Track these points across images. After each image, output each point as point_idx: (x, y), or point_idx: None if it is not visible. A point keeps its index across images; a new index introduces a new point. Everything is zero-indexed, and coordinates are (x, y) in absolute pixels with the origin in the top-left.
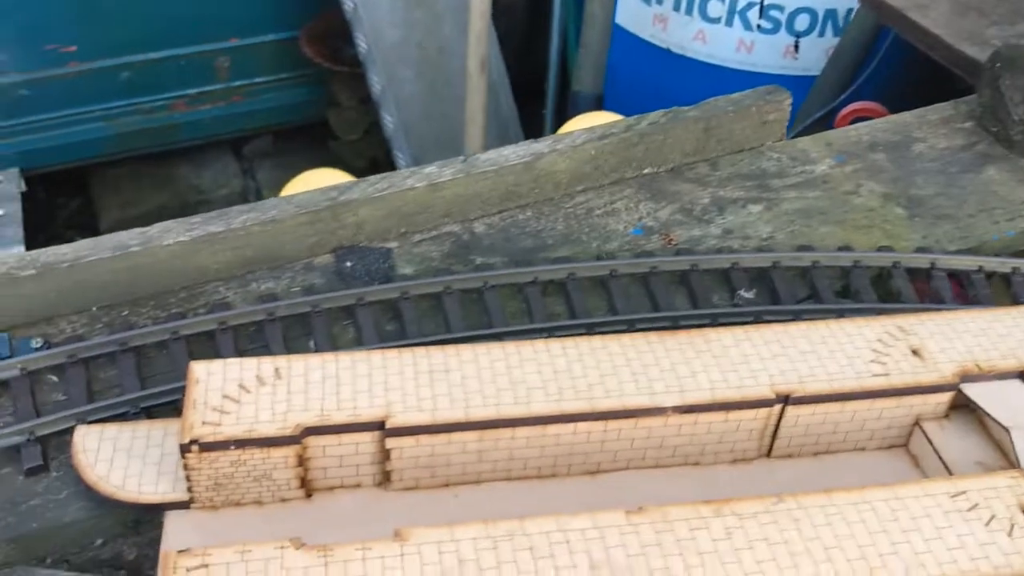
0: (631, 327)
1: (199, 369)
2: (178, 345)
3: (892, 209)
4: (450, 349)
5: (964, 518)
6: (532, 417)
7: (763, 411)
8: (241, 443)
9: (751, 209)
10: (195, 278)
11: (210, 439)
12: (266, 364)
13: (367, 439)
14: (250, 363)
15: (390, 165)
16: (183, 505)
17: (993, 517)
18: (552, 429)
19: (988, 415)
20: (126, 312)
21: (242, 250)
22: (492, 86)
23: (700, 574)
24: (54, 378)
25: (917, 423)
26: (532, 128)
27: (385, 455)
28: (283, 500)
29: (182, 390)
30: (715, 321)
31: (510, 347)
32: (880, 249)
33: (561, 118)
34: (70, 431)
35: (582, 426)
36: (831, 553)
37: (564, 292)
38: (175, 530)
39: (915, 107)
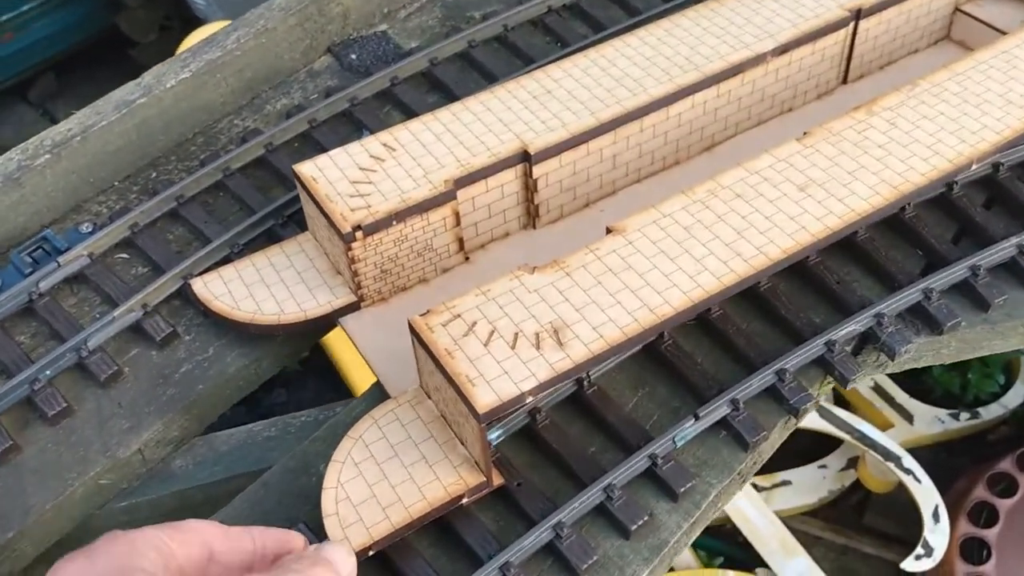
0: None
1: (308, 168)
2: (235, 180)
3: None
4: (537, 74)
5: None
6: (654, 101)
7: (841, 32)
8: (400, 215)
9: None
10: (204, 119)
11: (371, 220)
12: (371, 143)
13: (511, 177)
14: (353, 147)
15: None
16: (353, 308)
17: None
18: (674, 109)
19: None
20: (154, 175)
21: (243, 72)
22: None
23: (896, 149)
24: (124, 255)
25: (956, 9)
26: None
27: (532, 188)
28: (445, 270)
29: (272, 215)
30: None
31: (591, 53)
32: None
33: None
34: (178, 293)
35: (698, 97)
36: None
37: (580, 12)
38: (359, 331)
39: None
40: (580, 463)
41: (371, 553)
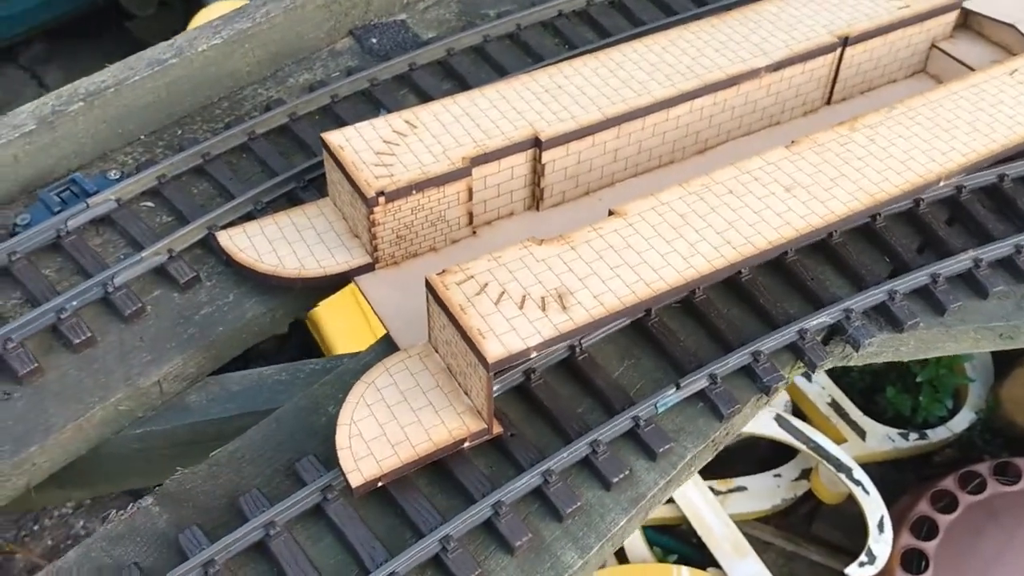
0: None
1: (336, 137)
2: (259, 144)
3: None
4: (549, 70)
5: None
6: (656, 103)
7: (830, 56)
8: (420, 185)
9: None
10: (230, 85)
11: (393, 188)
12: (395, 119)
13: (522, 160)
14: (378, 122)
15: None
16: (367, 269)
17: None
18: (674, 111)
19: (991, 19)
20: (179, 132)
21: (269, 45)
22: None
23: (873, 162)
24: (149, 204)
25: (933, 46)
26: None
27: (540, 172)
28: (454, 241)
29: (295, 178)
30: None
31: (601, 56)
32: None
33: None
34: (201, 243)
35: (697, 102)
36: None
37: (588, 18)
38: (372, 289)
39: None
40: (568, 420)
41: (379, 484)
